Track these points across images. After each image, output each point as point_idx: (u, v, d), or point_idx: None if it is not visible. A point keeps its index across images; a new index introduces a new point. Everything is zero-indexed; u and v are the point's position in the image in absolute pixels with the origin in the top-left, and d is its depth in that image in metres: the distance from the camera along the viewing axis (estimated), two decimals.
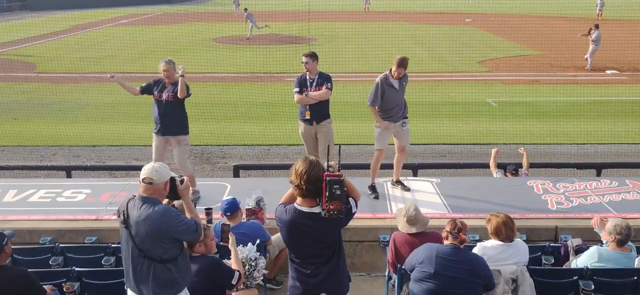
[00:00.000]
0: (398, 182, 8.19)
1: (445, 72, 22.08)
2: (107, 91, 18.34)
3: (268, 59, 22.07)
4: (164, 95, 7.61)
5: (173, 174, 4.38)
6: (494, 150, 9.09)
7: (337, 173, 3.92)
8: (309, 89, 7.89)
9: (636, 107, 15.73)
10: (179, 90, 7.48)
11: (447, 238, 4.88)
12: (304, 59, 7.88)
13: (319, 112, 8.00)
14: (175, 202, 4.60)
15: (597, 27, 22.01)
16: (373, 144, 8.01)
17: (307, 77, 7.93)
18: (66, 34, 34.89)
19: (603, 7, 39.58)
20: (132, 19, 43.85)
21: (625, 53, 22.01)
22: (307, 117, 8.00)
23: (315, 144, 8.20)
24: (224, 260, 5.27)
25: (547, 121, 14.52)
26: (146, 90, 7.78)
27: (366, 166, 8.49)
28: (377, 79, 7.72)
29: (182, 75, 7.51)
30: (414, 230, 5.48)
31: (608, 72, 21.23)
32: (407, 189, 8.12)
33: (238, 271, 5.04)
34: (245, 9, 32.63)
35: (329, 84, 7.89)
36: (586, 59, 22.13)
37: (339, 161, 4.05)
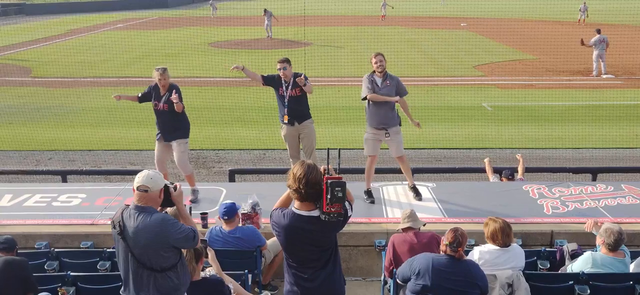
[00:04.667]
0: (413, 188, 8.09)
1: (441, 76, 22.12)
2: (103, 95, 18.31)
3: (264, 63, 22.04)
4: (160, 105, 7.64)
5: (167, 182, 4.37)
6: (486, 160, 9.08)
7: (338, 175, 3.93)
8: (285, 90, 7.92)
9: (631, 112, 15.79)
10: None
11: (445, 251, 4.81)
12: (281, 65, 7.87)
13: (298, 113, 8.01)
14: (168, 210, 4.58)
15: (598, 31, 21.83)
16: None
17: (283, 81, 7.96)
18: (62, 38, 34.83)
19: (586, 12, 39.38)
20: (128, 23, 43.78)
21: (621, 57, 22.09)
22: (286, 121, 8.03)
23: (298, 145, 8.23)
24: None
25: (542, 125, 14.55)
26: (145, 97, 7.81)
27: (364, 170, 8.50)
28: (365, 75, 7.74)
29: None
30: (407, 224, 5.72)
31: (603, 76, 21.29)
32: (419, 198, 7.98)
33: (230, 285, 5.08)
34: (265, 10, 33.58)
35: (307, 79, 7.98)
36: (599, 74, 21.55)
37: (339, 164, 4.06)
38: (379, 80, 7.60)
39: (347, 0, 42.31)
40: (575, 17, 40.39)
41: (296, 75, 7.88)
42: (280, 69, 7.86)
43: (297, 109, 7.98)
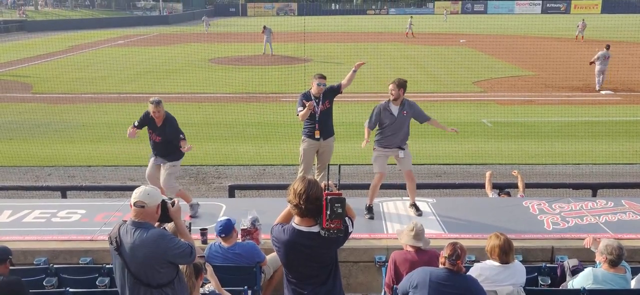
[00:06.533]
0: (413, 206, 8.12)
1: (440, 92, 22.16)
2: (103, 111, 18.36)
3: (264, 79, 22.17)
4: (156, 137, 7.82)
5: (164, 197, 4.37)
6: (488, 173, 9.09)
7: (338, 192, 3.93)
8: (316, 106, 8.03)
9: (631, 127, 15.82)
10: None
11: (444, 264, 4.79)
12: (322, 81, 8.06)
13: (327, 129, 8.19)
14: (167, 225, 4.56)
15: (607, 47, 21.69)
16: (371, 164, 8.02)
17: (313, 98, 8.05)
18: (63, 54, 34.95)
19: (584, 29, 39.58)
20: (129, 39, 43.98)
21: (620, 73, 22.14)
22: (317, 136, 8.10)
23: (314, 159, 8.26)
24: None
25: (542, 141, 14.56)
26: (142, 124, 7.89)
27: (363, 186, 8.47)
28: (379, 104, 7.81)
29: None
30: (418, 244, 5.54)
31: (602, 92, 21.35)
32: (420, 214, 8.01)
33: None
34: (265, 27, 33.90)
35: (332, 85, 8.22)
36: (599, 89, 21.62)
37: (339, 180, 4.06)
38: (395, 110, 7.69)
39: (347, 17, 42.49)
40: (573, 34, 40.60)
41: (325, 91, 8.08)
42: (319, 84, 8.04)
43: (327, 122, 8.18)
